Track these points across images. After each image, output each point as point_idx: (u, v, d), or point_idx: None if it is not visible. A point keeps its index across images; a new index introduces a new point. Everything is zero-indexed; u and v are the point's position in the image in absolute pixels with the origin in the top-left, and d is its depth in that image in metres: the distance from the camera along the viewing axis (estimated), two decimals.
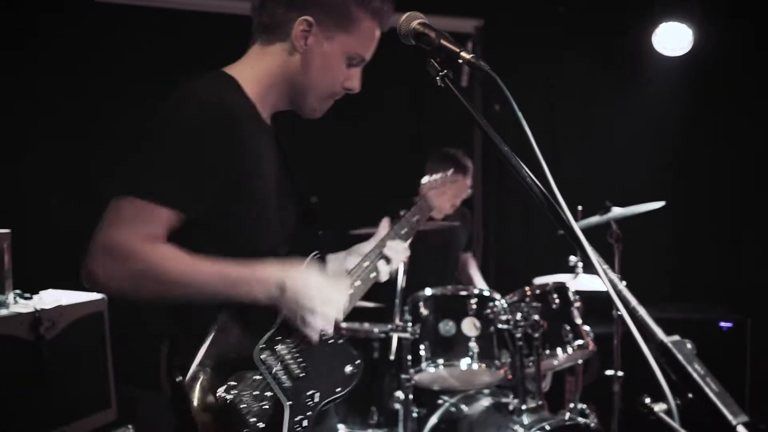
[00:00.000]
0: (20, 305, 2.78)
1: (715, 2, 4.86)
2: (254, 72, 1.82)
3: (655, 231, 5.12)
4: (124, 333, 3.37)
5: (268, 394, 1.72)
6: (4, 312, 2.70)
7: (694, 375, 1.02)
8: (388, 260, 2.11)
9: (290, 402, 1.74)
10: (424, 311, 3.40)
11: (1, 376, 2.61)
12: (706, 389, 1.01)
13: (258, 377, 1.71)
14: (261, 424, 1.68)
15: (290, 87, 1.85)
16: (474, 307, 3.38)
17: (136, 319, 3.72)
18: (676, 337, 1.08)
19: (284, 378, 1.75)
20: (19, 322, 2.68)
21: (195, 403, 1.63)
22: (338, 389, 1.85)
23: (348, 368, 1.89)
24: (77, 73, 4.13)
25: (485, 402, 3.51)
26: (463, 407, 3.52)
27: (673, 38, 4.86)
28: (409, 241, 2.22)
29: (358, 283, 2.04)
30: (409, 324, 3.34)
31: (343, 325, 1.94)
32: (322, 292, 1.75)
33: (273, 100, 1.86)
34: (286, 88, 1.85)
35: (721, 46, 4.86)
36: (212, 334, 1.68)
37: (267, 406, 1.71)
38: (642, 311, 1.16)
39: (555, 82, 5.44)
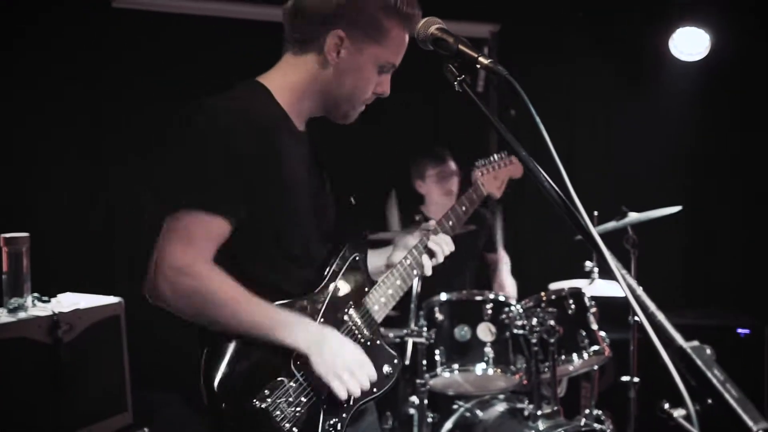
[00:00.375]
0: (38, 308, 2.80)
1: (732, 8, 4.83)
2: (286, 81, 1.86)
3: (672, 236, 5.09)
4: (141, 337, 3.39)
5: (303, 399, 1.76)
6: (22, 315, 2.72)
7: (714, 381, 1.01)
8: (432, 254, 2.13)
9: (325, 405, 1.78)
10: (439, 316, 3.40)
11: (20, 379, 2.63)
12: (726, 395, 1.01)
13: (293, 384, 1.75)
14: (295, 429, 1.73)
15: (323, 96, 1.88)
16: (489, 312, 3.37)
17: (152, 324, 3.75)
18: (696, 343, 1.08)
19: (316, 388, 1.79)
20: (37, 325, 2.70)
21: (231, 410, 1.68)
22: (375, 389, 1.88)
23: (386, 368, 1.93)
24: (100, 79, 4.16)
25: (500, 407, 3.50)
26: (478, 412, 3.50)
27: (690, 43, 4.84)
28: (454, 232, 2.26)
29: (398, 282, 2.05)
30: (425, 329, 3.34)
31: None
32: (362, 358, 1.82)
33: (306, 107, 1.90)
34: (319, 98, 1.89)
35: (737, 51, 4.83)
36: (249, 342, 1.72)
37: (301, 411, 1.75)
38: (661, 316, 1.15)
39: (571, 86, 5.43)
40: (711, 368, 1.02)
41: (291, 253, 1.82)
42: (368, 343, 1.92)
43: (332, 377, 1.75)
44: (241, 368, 1.71)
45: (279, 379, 1.74)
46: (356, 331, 1.92)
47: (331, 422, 1.80)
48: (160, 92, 4.18)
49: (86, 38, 4.08)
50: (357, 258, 1.96)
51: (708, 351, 1.05)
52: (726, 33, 4.79)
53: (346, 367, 1.77)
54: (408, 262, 2.07)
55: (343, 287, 1.93)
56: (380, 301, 1.99)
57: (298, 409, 1.75)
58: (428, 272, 2.10)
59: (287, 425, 1.72)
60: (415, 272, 2.07)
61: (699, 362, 1.03)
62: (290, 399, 1.73)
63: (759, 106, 4.96)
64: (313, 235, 1.88)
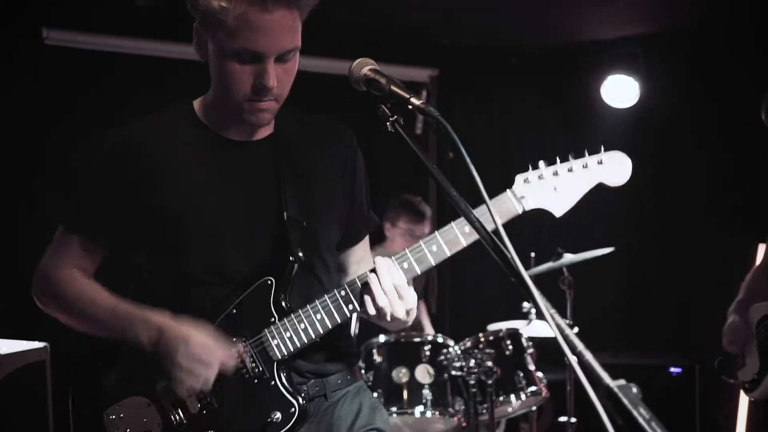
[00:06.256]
0: None
1: (660, 57, 5.04)
2: (206, 93, 1.84)
3: (606, 278, 5.19)
4: (67, 383, 3.25)
5: (157, 423, 1.72)
6: None
7: (640, 419, 1.02)
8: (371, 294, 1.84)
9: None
10: (377, 358, 3.37)
11: None
12: None
13: (151, 405, 1.73)
14: None
15: (216, 98, 1.80)
16: (428, 353, 3.36)
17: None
18: (622, 382, 1.09)
19: (178, 411, 1.72)
20: None
21: (80, 416, 1.78)
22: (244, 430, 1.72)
23: (275, 414, 1.71)
24: (29, 116, 4.05)
25: None
26: None
27: (620, 91, 5.02)
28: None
29: (318, 316, 1.76)
30: (363, 371, 3.30)
31: None
32: (199, 349, 1.67)
33: (225, 115, 1.79)
34: (218, 101, 1.80)
35: (666, 98, 5.03)
36: (123, 356, 1.77)
37: None
38: (589, 356, 1.16)
39: (509, 129, 5.55)
40: (637, 407, 1.03)
41: (195, 273, 1.75)
42: (256, 381, 1.72)
43: (169, 373, 1.68)
44: (109, 379, 1.79)
45: (138, 396, 1.75)
46: (241, 365, 1.73)
47: None
48: (90, 130, 4.09)
49: (18, 74, 3.98)
50: (269, 282, 1.75)
51: (634, 389, 1.06)
52: (654, 81, 4.99)
53: (179, 362, 1.66)
54: (341, 294, 1.75)
55: (241, 314, 1.75)
56: (283, 336, 1.73)
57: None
58: (370, 311, 1.74)
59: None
60: (347, 308, 1.75)
61: (625, 401, 1.03)
62: (144, 419, 1.73)
63: (687, 150, 5.16)
64: (233, 254, 1.76)
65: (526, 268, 1.34)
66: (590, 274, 4.29)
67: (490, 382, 3.27)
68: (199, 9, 1.67)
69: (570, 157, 1.82)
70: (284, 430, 1.72)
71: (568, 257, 3.83)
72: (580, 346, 1.22)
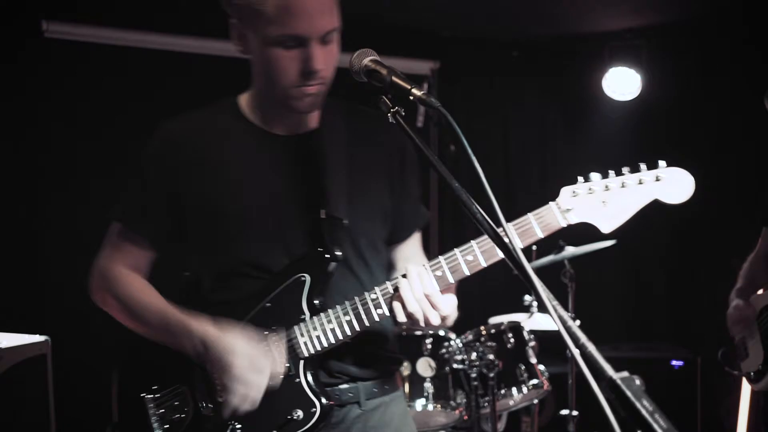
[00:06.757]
0: None
1: (662, 48, 5.02)
2: (251, 89, 1.85)
3: (608, 270, 5.18)
4: (71, 377, 3.25)
5: (187, 409, 1.76)
6: None
7: (643, 411, 1.01)
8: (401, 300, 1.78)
9: (208, 425, 1.74)
10: None
11: None
12: (655, 425, 1.01)
13: (186, 391, 1.76)
14: None
15: (261, 90, 1.81)
16: (429, 347, 3.36)
17: (82, 363, 3.61)
18: (625, 374, 1.08)
19: (207, 399, 1.74)
20: None
21: (124, 397, 1.82)
22: (274, 431, 1.72)
23: (297, 412, 1.71)
24: (29, 112, 4.03)
25: None
26: None
27: (621, 83, 5.00)
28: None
29: (347, 318, 1.74)
30: None
31: None
32: (250, 359, 1.69)
33: (269, 109, 1.81)
34: (263, 93, 1.81)
35: (667, 91, 5.01)
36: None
37: (181, 418, 1.76)
38: (591, 348, 1.16)
39: (509, 121, 5.53)
40: (640, 399, 1.03)
41: (235, 264, 1.78)
42: (281, 376, 1.72)
43: (220, 384, 1.71)
44: (144, 359, 1.83)
45: (173, 379, 1.78)
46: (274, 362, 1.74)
47: None
48: (90, 125, 4.09)
49: (17, 68, 3.97)
50: (303, 279, 1.74)
51: (637, 382, 1.06)
52: (657, 73, 4.97)
53: (234, 373, 1.68)
54: (371, 297, 1.72)
55: (274, 308, 1.76)
56: (311, 334, 1.73)
57: (178, 415, 1.77)
58: (400, 317, 1.69)
59: (165, 426, 1.77)
60: (376, 312, 1.71)
61: (628, 393, 1.03)
62: (175, 402, 1.77)
63: (689, 142, 5.14)
64: (271, 248, 1.77)
65: (528, 260, 1.32)
66: (592, 267, 4.28)
67: (491, 375, 3.27)
68: (235, 3, 1.69)
69: (625, 171, 1.72)
70: (304, 429, 1.71)
71: (570, 250, 3.82)
72: (582, 338, 1.22)
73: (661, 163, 1.71)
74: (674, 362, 4.55)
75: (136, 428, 1.80)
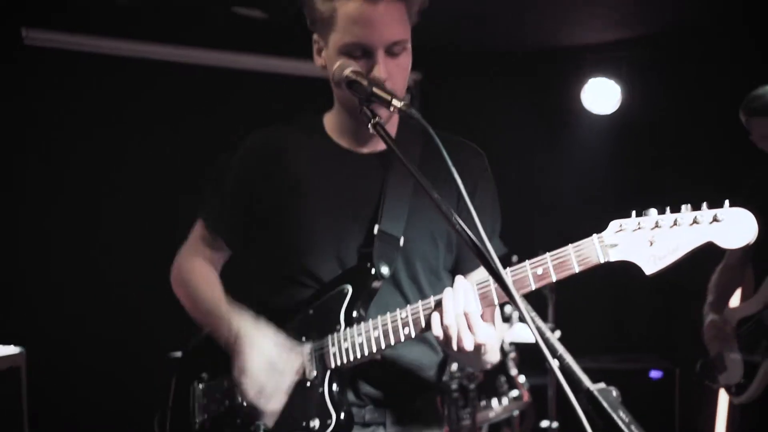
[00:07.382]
0: None
1: (642, 60, 5.07)
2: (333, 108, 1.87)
3: (589, 281, 5.19)
4: (47, 389, 3.21)
5: (226, 401, 1.81)
6: None
7: (619, 422, 1.02)
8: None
9: (238, 420, 1.77)
10: None
11: None
12: None
13: (227, 385, 1.80)
14: (209, 425, 1.83)
15: (341, 105, 1.80)
16: None
17: (58, 374, 3.56)
18: (602, 385, 1.09)
19: (240, 396, 1.78)
20: None
21: (175, 380, 1.91)
22: None
23: (313, 421, 1.70)
24: (11, 118, 4.00)
25: None
26: None
27: (601, 95, 5.02)
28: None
29: (376, 333, 1.72)
30: None
31: None
32: (269, 359, 1.72)
33: (347, 125, 1.81)
34: (343, 108, 1.80)
35: (647, 103, 5.05)
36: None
37: (219, 409, 1.82)
38: (569, 359, 1.16)
39: (490, 133, 5.56)
40: (616, 410, 1.03)
41: (290, 272, 1.82)
42: (308, 383, 1.73)
43: (237, 377, 1.75)
44: (197, 347, 1.93)
45: (220, 370, 1.81)
46: (302, 366, 1.75)
47: None
48: (70, 133, 4.06)
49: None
50: (345, 290, 1.75)
51: (614, 393, 1.06)
52: (637, 85, 5.01)
53: (248, 369, 1.72)
54: (402, 315, 1.69)
55: (315, 316, 1.78)
56: (341, 345, 1.72)
57: (220, 407, 1.82)
58: (436, 330, 1.62)
59: (205, 415, 1.83)
60: (403, 332, 1.67)
61: (605, 404, 1.03)
62: (217, 395, 1.82)
63: (669, 156, 5.19)
64: (324, 259, 1.79)
65: (502, 268, 1.32)
66: (572, 277, 4.30)
67: (472, 386, 3.27)
68: (313, 18, 1.72)
69: (684, 208, 1.59)
70: None
71: None
72: (560, 349, 1.22)
73: (726, 203, 1.55)
74: (653, 373, 4.57)
75: (183, 414, 1.88)
